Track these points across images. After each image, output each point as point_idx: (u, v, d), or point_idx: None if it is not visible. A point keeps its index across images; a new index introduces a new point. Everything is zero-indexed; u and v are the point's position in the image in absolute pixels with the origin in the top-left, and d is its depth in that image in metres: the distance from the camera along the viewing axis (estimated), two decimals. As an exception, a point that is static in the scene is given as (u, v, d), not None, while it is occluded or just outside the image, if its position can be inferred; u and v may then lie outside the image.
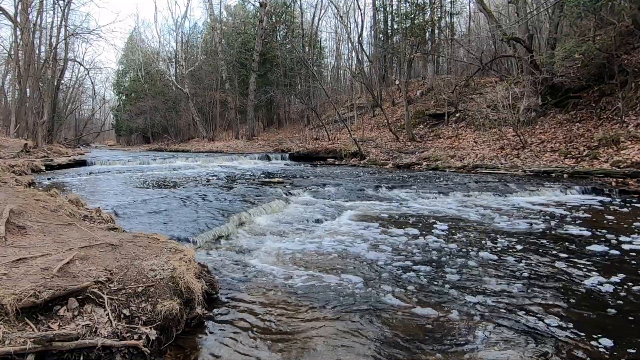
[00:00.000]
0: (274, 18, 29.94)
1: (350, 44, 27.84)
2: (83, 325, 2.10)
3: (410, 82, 21.74)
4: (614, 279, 3.30)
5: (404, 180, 9.22)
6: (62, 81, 27.76)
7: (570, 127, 11.63)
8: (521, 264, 3.71)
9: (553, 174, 9.30)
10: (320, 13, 30.67)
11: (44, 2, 21.45)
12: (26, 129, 19.83)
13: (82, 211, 4.61)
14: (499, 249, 4.21)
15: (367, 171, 12.09)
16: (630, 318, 2.66)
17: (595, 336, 2.42)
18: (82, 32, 23.38)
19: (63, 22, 22.61)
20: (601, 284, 3.21)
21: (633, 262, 3.75)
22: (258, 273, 3.58)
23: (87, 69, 30.53)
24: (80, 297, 2.26)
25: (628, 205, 6.46)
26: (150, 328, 2.24)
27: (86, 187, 8.96)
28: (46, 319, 2.11)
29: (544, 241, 4.48)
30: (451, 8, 24.21)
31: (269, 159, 17.39)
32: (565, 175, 9.07)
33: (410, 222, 5.55)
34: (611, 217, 5.59)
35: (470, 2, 24.19)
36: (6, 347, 1.83)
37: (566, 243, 4.39)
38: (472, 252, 4.10)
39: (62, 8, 22.45)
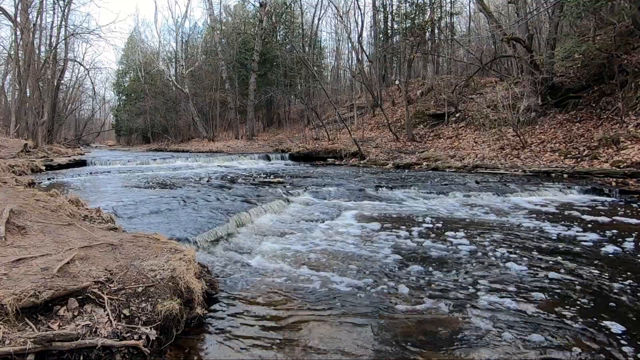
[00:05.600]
0: (274, 18, 29.92)
1: (350, 44, 27.79)
2: (83, 326, 2.10)
3: (410, 82, 21.71)
4: (614, 278, 3.30)
5: (404, 180, 9.22)
6: (62, 81, 27.75)
7: (570, 127, 11.62)
8: (522, 264, 3.70)
9: (553, 174, 9.29)
10: (320, 13, 30.66)
11: (44, 2, 21.42)
12: (26, 129, 19.80)
13: (82, 211, 4.61)
14: (498, 248, 4.20)
15: (367, 171, 12.08)
16: (634, 318, 2.66)
17: (596, 336, 2.42)
18: (82, 32, 23.35)
19: (63, 22, 22.59)
20: (601, 283, 3.21)
21: (634, 261, 3.75)
22: (258, 273, 3.58)
23: (87, 69, 30.59)
24: (80, 297, 2.26)
25: (628, 205, 6.46)
26: (150, 328, 2.24)
27: (86, 187, 8.95)
28: (46, 319, 2.11)
29: (543, 241, 4.48)
30: (451, 8, 24.22)
31: (269, 159, 17.37)
32: (565, 175, 9.06)
33: (411, 221, 5.55)
34: (610, 217, 5.59)
35: (470, 2, 24.19)
36: (6, 347, 1.83)
37: (566, 243, 4.38)
38: (473, 251, 4.10)
39: (62, 8, 22.43)
